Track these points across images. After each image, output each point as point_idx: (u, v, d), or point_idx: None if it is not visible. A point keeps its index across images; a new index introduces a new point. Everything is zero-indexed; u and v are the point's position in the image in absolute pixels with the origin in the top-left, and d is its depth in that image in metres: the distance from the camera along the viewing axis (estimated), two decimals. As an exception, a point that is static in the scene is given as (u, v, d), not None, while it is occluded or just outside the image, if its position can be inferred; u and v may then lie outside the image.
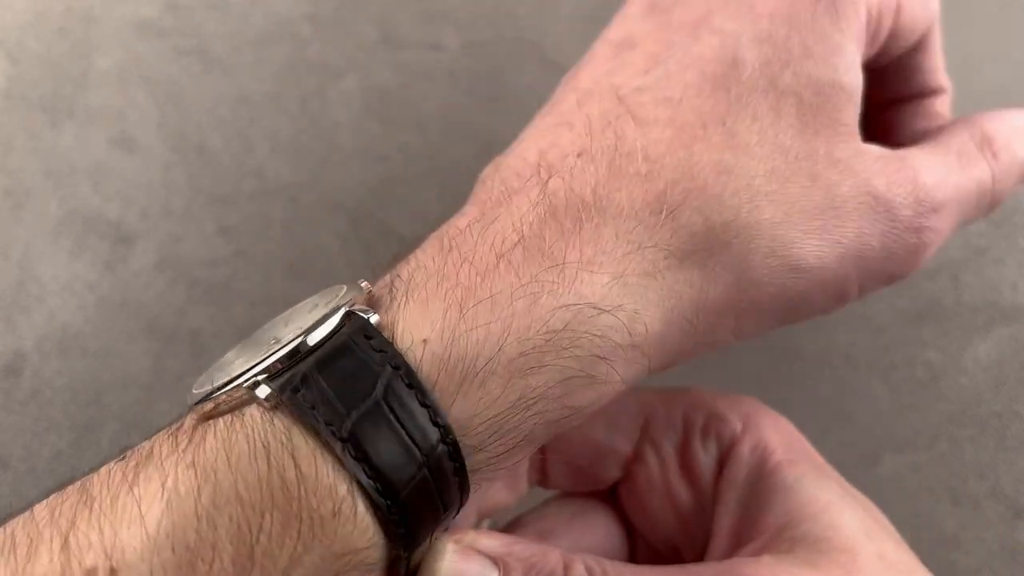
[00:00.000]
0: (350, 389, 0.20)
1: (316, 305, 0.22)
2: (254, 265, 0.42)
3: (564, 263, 0.22)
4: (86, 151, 0.44)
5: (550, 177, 0.23)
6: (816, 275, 0.24)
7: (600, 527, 0.29)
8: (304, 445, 0.19)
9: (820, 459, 0.28)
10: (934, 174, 0.25)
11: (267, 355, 0.20)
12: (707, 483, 0.28)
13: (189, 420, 0.21)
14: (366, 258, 0.43)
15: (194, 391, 0.21)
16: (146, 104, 0.45)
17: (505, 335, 0.21)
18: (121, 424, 0.39)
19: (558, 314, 0.21)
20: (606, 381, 0.22)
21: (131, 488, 0.18)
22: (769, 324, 0.25)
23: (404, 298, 0.22)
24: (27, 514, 0.18)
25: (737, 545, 0.26)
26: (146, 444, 0.20)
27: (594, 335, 0.22)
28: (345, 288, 0.23)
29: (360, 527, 0.19)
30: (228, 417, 0.20)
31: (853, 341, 0.40)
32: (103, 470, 0.19)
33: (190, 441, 0.19)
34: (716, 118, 0.24)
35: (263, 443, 0.19)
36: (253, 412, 0.20)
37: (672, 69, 0.25)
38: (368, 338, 0.20)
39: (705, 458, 0.28)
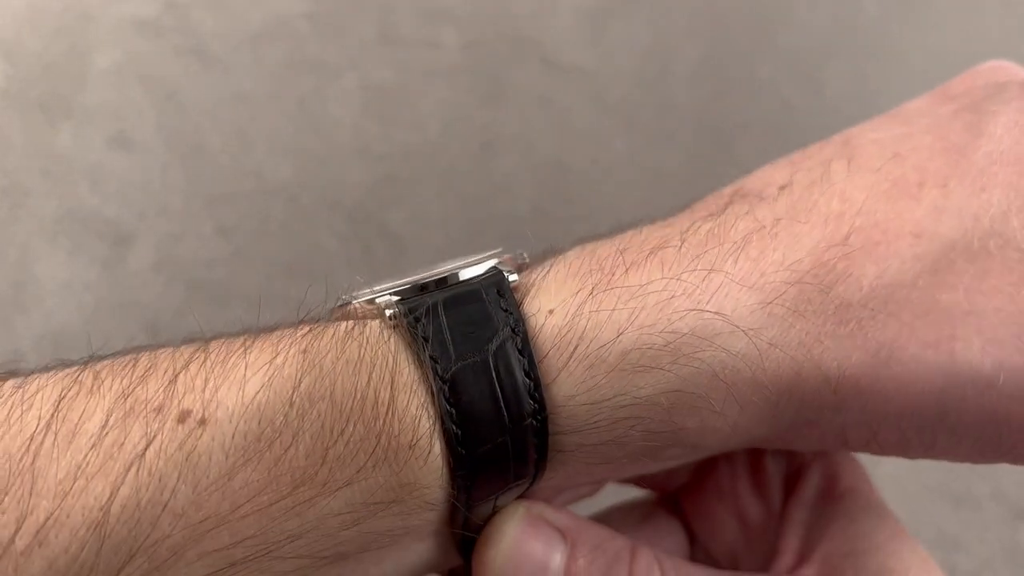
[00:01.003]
0: (465, 335, 0.20)
1: (477, 258, 0.23)
2: (252, 265, 0.42)
3: (714, 270, 0.21)
4: (84, 151, 0.43)
5: (736, 202, 0.23)
6: (981, 392, 0.20)
7: (665, 536, 0.29)
8: (406, 371, 0.20)
9: (879, 494, 0.27)
10: None
11: (410, 280, 0.21)
12: (775, 498, 0.27)
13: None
14: (365, 257, 0.43)
15: (341, 297, 0.22)
16: (144, 103, 0.45)
17: (627, 325, 0.20)
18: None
19: (688, 317, 0.21)
20: (717, 413, 0.21)
21: (244, 353, 0.19)
22: (910, 436, 0.22)
23: (548, 269, 0.22)
24: (154, 350, 0.20)
25: (800, 565, 0.25)
26: (273, 325, 0.21)
27: (720, 350, 0.20)
28: (500, 249, 0.23)
29: (430, 466, 0.20)
30: (350, 323, 0.20)
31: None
32: (226, 336, 0.20)
33: (310, 331, 0.20)
34: (939, 179, 0.22)
35: (371, 357, 0.20)
36: (374, 326, 0.21)
37: (914, 131, 0.23)
38: (500, 295, 0.21)
39: (774, 471, 0.27)
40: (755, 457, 0.28)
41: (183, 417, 0.18)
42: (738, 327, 0.21)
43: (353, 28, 0.47)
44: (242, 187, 0.43)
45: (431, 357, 0.20)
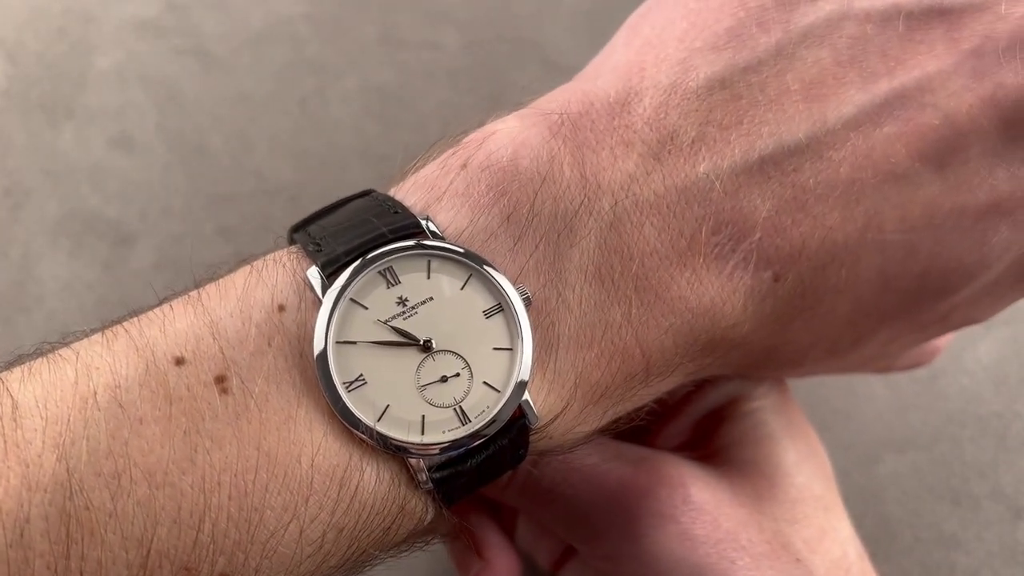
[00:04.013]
0: (470, 480, 0.21)
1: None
2: (254, 265, 0.42)
3: None
4: (85, 151, 0.43)
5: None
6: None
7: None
8: (415, 500, 0.21)
9: (797, 415, 0.29)
10: None
11: None
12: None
13: None
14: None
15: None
16: (145, 104, 0.45)
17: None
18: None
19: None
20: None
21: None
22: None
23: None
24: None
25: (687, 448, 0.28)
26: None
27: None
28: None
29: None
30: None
31: (853, 341, 0.40)
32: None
33: None
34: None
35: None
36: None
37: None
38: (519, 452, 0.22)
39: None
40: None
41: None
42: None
43: (354, 29, 0.47)
44: (243, 188, 0.43)
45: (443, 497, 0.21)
